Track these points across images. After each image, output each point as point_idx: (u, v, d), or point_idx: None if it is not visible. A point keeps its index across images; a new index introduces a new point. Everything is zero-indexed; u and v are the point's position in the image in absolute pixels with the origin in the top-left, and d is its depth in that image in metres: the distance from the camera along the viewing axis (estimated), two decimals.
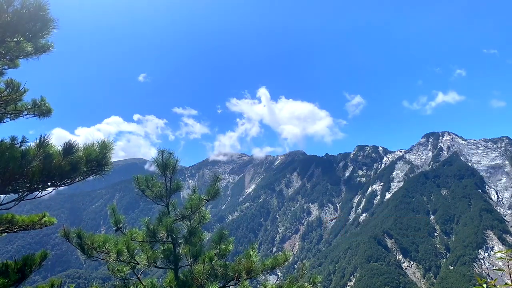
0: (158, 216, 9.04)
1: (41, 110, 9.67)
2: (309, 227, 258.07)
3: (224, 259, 8.88)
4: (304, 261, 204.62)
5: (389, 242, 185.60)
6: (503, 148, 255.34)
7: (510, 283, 4.76)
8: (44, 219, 9.64)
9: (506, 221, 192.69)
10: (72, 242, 8.20)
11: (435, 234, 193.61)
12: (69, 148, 6.38)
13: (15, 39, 6.55)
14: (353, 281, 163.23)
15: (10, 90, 8.97)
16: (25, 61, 7.97)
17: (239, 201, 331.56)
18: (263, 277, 10.52)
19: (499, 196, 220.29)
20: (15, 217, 9.14)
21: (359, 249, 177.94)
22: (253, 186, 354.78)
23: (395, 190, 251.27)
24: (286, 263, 8.90)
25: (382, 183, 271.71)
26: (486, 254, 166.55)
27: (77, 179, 7.08)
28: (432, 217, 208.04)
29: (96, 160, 6.82)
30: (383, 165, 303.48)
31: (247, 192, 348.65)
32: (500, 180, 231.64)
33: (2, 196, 7.27)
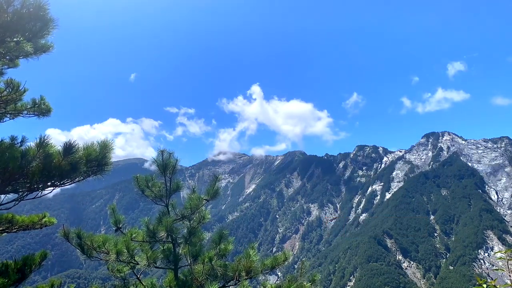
0: (158, 216, 9.04)
1: (40, 109, 9.68)
2: (309, 227, 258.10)
3: (224, 259, 8.88)
4: (303, 259, 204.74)
5: (389, 242, 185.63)
6: (503, 148, 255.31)
7: (510, 283, 4.76)
8: (44, 219, 9.64)
9: (506, 221, 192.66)
10: (72, 242, 8.19)
11: (435, 234, 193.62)
12: (69, 148, 6.37)
13: (15, 39, 6.55)
14: (353, 281, 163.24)
15: (10, 90, 8.97)
16: (24, 61, 7.97)
17: (239, 201, 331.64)
18: (263, 277, 10.52)
19: (499, 196, 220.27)
20: (15, 217, 9.14)
21: (359, 249, 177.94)
22: (253, 186, 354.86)
23: (395, 190, 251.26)
24: (286, 262, 8.90)
25: (382, 183, 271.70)
26: (486, 254, 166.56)
27: (77, 179, 7.08)
28: (432, 217, 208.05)
29: (96, 160, 6.82)
30: (383, 165, 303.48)
31: (247, 192, 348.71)
32: (500, 180, 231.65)
33: (2, 196, 7.27)
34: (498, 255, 5.23)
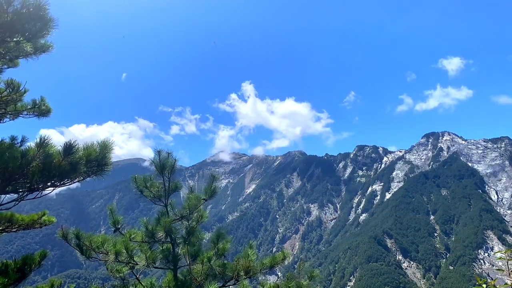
0: (157, 216, 9.05)
1: (40, 110, 9.69)
2: (309, 227, 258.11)
3: (222, 258, 8.89)
4: (301, 257, 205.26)
5: (389, 242, 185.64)
6: (503, 148, 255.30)
7: (510, 283, 4.77)
8: (43, 217, 9.65)
9: (506, 221, 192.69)
10: (71, 243, 8.18)
11: (435, 234, 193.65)
12: (69, 148, 6.39)
13: (15, 39, 6.56)
14: (353, 281, 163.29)
15: (10, 90, 8.99)
16: (23, 61, 7.99)
17: (239, 201, 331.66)
18: (263, 277, 10.54)
19: (499, 196, 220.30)
20: (14, 216, 9.15)
21: (359, 249, 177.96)
22: (253, 186, 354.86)
23: (395, 190, 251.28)
24: (285, 262, 8.92)
25: (382, 183, 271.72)
26: (486, 254, 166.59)
27: (77, 179, 7.10)
28: (432, 217, 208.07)
29: (96, 160, 6.83)
30: (383, 165, 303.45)
31: (247, 192, 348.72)
32: (500, 180, 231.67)
33: (2, 196, 7.29)
34: (498, 255, 5.23)
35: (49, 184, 6.85)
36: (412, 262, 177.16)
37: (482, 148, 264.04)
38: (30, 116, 9.71)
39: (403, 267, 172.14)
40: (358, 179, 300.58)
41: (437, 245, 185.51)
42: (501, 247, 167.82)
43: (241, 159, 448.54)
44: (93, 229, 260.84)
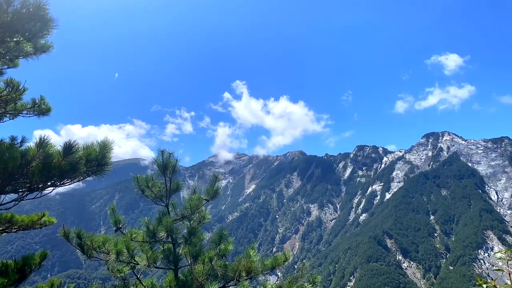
0: (158, 216, 9.04)
1: (40, 109, 9.69)
2: (309, 227, 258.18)
3: (224, 259, 8.88)
4: (304, 261, 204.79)
5: (389, 242, 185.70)
6: (503, 148, 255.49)
7: (510, 283, 4.75)
8: (43, 218, 9.64)
9: (506, 221, 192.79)
10: (72, 242, 8.20)
11: (435, 234, 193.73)
12: (69, 148, 6.37)
13: (15, 39, 6.54)
14: (353, 281, 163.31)
15: (10, 89, 8.97)
16: (23, 61, 7.97)
17: (239, 201, 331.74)
18: (264, 278, 10.53)
19: (499, 196, 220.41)
20: (14, 217, 9.14)
21: (359, 249, 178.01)
22: (253, 186, 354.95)
23: (395, 190, 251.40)
24: (286, 263, 8.90)
25: (382, 183, 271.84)
26: (486, 254, 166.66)
27: (77, 179, 7.08)
28: (432, 217, 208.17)
29: (95, 160, 6.82)
30: (383, 165, 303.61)
31: (247, 192, 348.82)
32: (500, 180, 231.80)
33: (2, 196, 7.27)
34: (498, 255, 5.20)
35: (49, 184, 6.83)
36: (412, 262, 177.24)
37: (482, 148, 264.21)
38: (30, 115, 9.70)
39: (403, 267, 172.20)
40: (358, 179, 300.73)
41: (437, 245, 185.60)
42: (501, 247, 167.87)
43: (241, 159, 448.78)
44: (93, 229, 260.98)
